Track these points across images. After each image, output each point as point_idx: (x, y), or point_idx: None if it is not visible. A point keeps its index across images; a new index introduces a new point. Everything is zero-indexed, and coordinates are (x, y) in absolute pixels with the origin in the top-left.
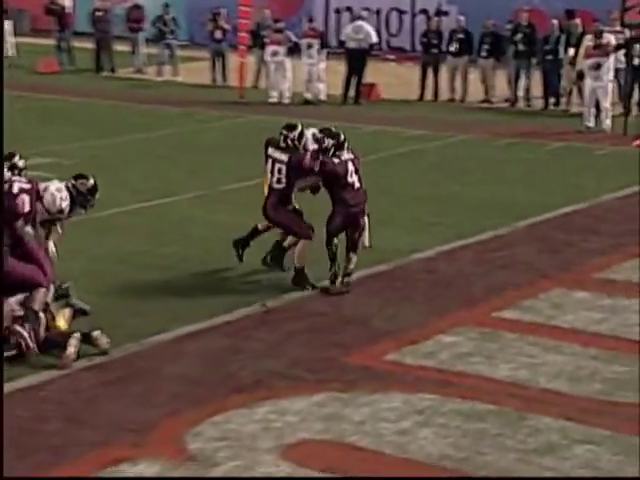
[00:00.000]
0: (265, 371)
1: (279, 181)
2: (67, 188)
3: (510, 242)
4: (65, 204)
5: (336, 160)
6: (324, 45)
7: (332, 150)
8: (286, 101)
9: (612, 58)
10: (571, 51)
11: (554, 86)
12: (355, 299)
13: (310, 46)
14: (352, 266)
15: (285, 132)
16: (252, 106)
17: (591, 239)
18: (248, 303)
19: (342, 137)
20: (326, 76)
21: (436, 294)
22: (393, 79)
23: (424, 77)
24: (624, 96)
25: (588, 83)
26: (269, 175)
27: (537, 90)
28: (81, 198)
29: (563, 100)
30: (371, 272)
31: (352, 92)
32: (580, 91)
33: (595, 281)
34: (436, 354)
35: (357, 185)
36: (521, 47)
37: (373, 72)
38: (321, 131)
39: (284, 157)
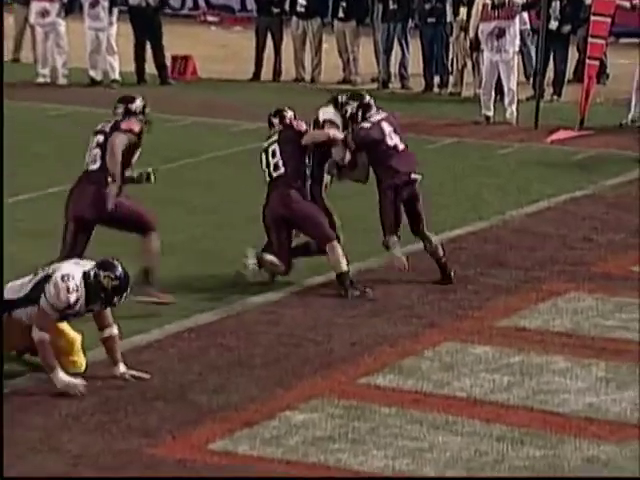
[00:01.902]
0: None
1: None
2: (85, 277)
3: (383, 278)
4: (74, 298)
5: (366, 124)
6: (115, 2)
7: (359, 114)
8: (62, 81)
9: (518, 21)
10: (462, 12)
11: (440, 60)
12: (166, 363)
13: (95, 3)
14: (436, 244)
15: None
16: (11, 88)
17: (493, 273)
18: None
19: (367, 97)
20: (119, 46)
21: (281, 354)
22: (216, 50)
23: (260, 48)
24: (534, 74)
25: (486, 56)
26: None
27: (416, 66)
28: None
29: (452, 80)
30: (187, 325)
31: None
32: (475, 67)
33: (500, 330)
34: (282, 439)
35: (401, 146)
36: (392, 5)
37: (188, 40)
38: (337, 100)
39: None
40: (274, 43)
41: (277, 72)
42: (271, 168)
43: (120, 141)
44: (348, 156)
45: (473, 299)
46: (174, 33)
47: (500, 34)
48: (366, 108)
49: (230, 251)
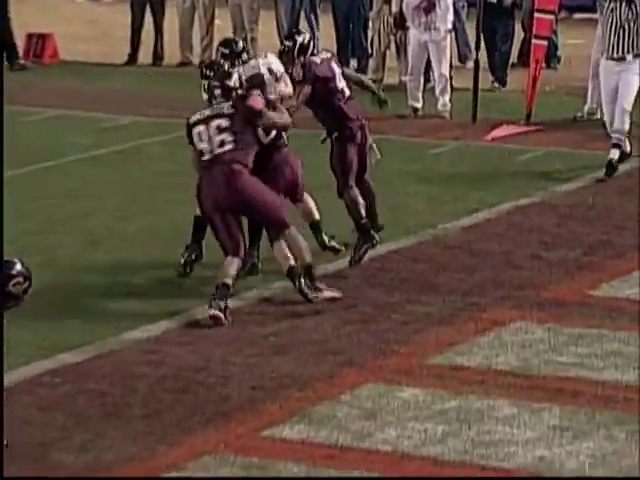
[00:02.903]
0: None
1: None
2: None
3: (291, 309)
4: None
5: (317, 59)
6: None
7: (310, 48)
8: None
9: None
10: None
11: (357, 40)
12: (22, 414)
13: None
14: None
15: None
16: None
17: (423, 299)
18: None
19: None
20: None
21: (165, 402)
22: (82, 27)
23: (137, 25)
24: (468, 55)
25: (413, 35)
26: None
27: (328, 47)
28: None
29: (372, 63)
30: (48, 366)
31: None
32: (400, 49)
33: (432, 369)
34: None
35: (348, 92)
36: None
37: (46, 14)
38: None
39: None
40: (154, 19)
41: (158, 55)
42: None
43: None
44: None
45: (399, 331)
46: (29, 5)
47: (429, 8)
48: (314, 44)
49: (103, 276)
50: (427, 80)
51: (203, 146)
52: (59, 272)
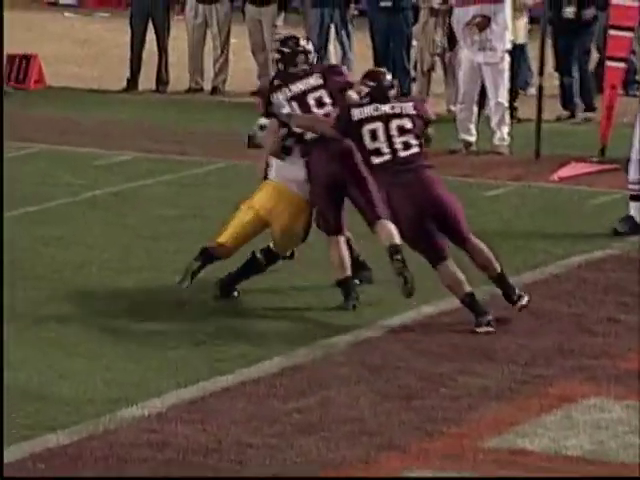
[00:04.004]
0: None
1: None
2: None
3: (319, 380)
4: None
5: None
6: None
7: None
8: None
9: (509, 2)
10: None
11: (397, 60)
12: None
13: None
14: None
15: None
16: None
17: (478, 369)
18: None
19: None
20: None
21: None
22: (73, 47)
23: (138, 43)
24: (530, 79)
25: (465, 56)
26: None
27: (362, 69)
28: None
29: (415, 88)
30: (29, 449)
31: None
32: (448, 72)
33: (488, 454)
34: None
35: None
36: None
37: (31, 32)
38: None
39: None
40: (157, 37)
41: (162, 79)
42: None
43: None
44: None
45: (449, 408)
46: (10, 21)
47: (483, 24)
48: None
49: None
50: (481, 109)
51: (378, 146)
52: (42, 333)
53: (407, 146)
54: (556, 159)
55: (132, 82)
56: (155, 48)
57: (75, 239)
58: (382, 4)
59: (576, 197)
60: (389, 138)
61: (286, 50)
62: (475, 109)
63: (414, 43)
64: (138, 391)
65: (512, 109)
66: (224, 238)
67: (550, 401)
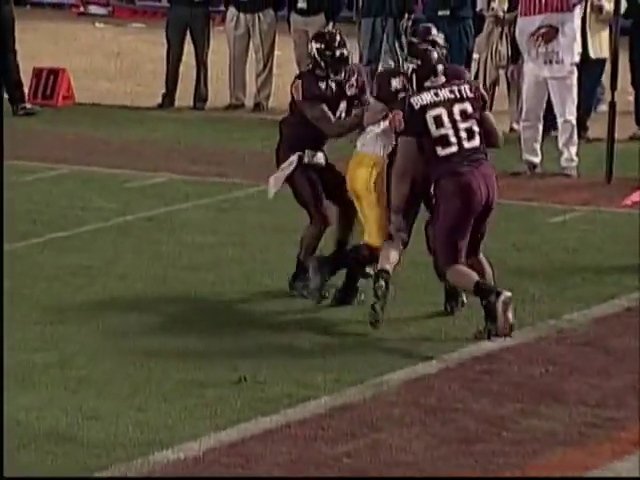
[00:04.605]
0: None
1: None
2: None
3: (370, 421)
4: None
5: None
6: None
7: None
8: None
9: (579, 12)
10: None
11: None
12: None
13: None
14: None
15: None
16: None
17: (543, 411)
18: None
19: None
20: None
21: None
22: (104, 60)
23: (175, 56)
24: (601, 96)
25: (529, 70)
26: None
27: None
28: None
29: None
30: None
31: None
32: (512, 87)
33: None
34: None
35: None
36: None
37: (59, 44)
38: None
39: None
40: (196, 49)
41: (201, 95)
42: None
43: None
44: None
45: (512, 453)
46: (38, 33)
47: (550, 35)
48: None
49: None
50: (548, 128)
51: (446, 132)
52: (70, 371)
53: (471, 134)
54: (629, 182)
55: (168, 98)
56: (193, 61)
57: (105, 269)
58: (440, 13)
59: None
60: (454, 125)
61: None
62: (540, 127)
63: (475, 56)
64: (172, 434)
65: (581, 128)
66: (374, 239)
67: (623, 446)
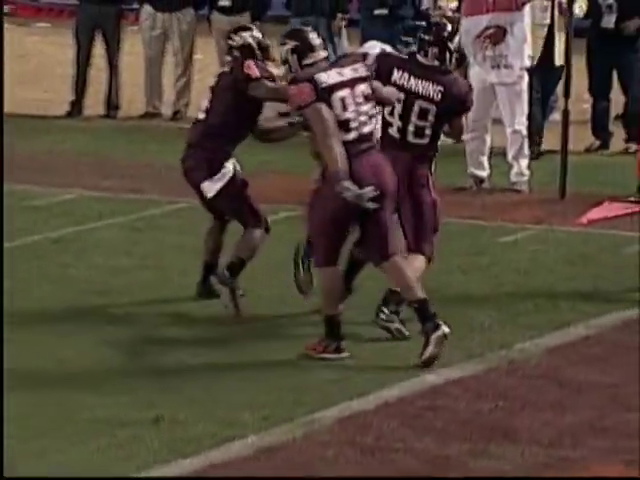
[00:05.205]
0: None
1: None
2: None
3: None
4: None
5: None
6: None
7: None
8: None
9: (528, 11)
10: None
11: None
12: None
13: None
14: None
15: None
16: None
17: (493, 450)
18: None
19: None
20: None
21: None
22: (7, 64)
23: (83, 60)
24: (553, 103)
25: (476, 74)
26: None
27: None
28: None
29: None
30: None
31: None
32: None
33: None
34: None
35: None
36: None
37: None
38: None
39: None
40: (108, 52)
41: (113, 103)
42: (361, 118)
43: None
44: None
45: None
46: None
47: (497, 37)
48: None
49: None
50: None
51: (349, 117)
52: None
53: (368, 119)
54: (585, 198)
55: (77, 106)
56: (104, 65)
57: (7, 294)
58: (377, 12)
59: (609, 244)
60: (357, 108)
61: None
62: (488, 138)
63: None
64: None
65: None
66: None
67: None
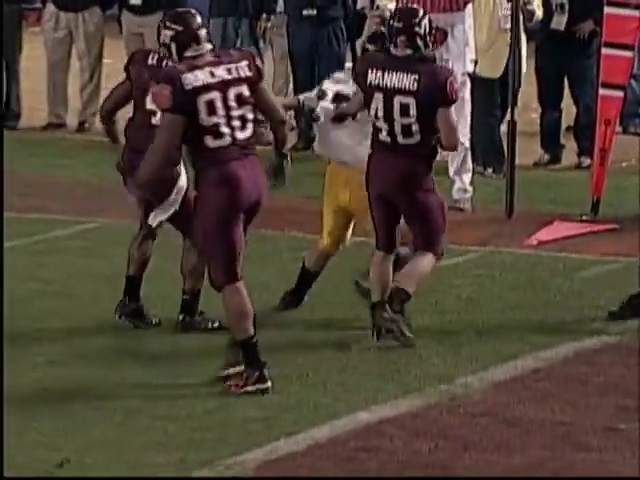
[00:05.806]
0: None
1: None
2: None
3: None
4: None
5: None
6: None
7: None
8: None
9: (470, 12)
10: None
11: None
12: None
13: None
14: None
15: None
16: None
17: None
18: None
19: None
20: None
21: None
22: None
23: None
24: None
25: None
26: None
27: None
28: None
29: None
30: None
31: None
32: None
33: None
34: None
35: None
36: None
37: None
38: None
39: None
40: (5, 55)
41: (10, 112)
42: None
43: None
44: None
45: None
46: None
47: (439, 40)
48: None
49: None
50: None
51: (218, 121)
52: None
53: (244, 123)
54: (534, 217)
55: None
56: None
57: None
58: (305, 13)
59: (560, 267)
60: (227, 112)
61: None
62: None
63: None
64: None
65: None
66: None
67: None
